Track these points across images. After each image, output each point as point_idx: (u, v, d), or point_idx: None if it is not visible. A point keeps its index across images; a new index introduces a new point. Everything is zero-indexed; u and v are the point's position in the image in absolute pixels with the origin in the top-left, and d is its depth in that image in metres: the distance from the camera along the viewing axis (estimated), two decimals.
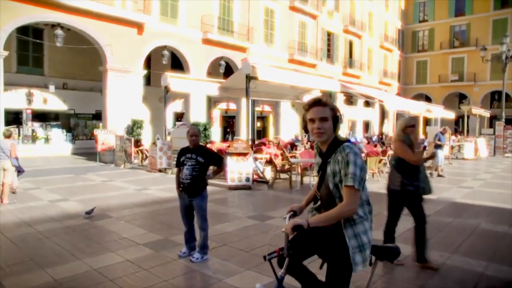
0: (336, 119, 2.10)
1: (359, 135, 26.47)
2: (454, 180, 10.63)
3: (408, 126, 4.02)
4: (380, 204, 5.70)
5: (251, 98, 9.65)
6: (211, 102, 22.29)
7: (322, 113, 2.07)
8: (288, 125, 23.68)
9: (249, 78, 8.99)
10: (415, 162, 3.88)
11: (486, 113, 27.37)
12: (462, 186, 9.64)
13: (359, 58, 30.52)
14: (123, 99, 15.01)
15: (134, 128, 14.97)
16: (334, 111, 2.10)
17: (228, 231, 5.16)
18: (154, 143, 12.32)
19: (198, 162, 3.93)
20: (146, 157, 13.54)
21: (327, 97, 2.19)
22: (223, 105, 24.09)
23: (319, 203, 2.22)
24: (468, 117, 25.03)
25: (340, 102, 25.47)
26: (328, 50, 27.27)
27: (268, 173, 10.04)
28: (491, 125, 30.26)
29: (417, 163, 3.90)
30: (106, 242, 4.67)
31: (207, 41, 18.13)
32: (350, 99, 28.26)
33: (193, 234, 4.16)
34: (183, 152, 4.10)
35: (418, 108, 15.38)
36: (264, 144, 12.81)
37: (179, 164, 4.06)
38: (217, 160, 4.11)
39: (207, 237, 4.04)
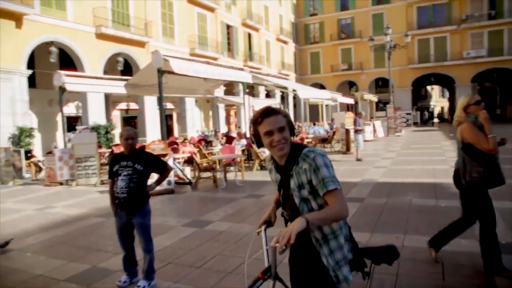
0: (291, 126, 1.80)
1: None
2: (367, 162, 11.23)
3: (472, 104, 3.28)
4: None
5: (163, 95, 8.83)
6: (110, 102, 20.46)
7: (278, 122, 1.74)
8: (193, 122, 22.97)
9: (161, 72, 8.19)
10: (490, 151, 3.16)
11: (374, 98, 29.96)
12: (376, 166, 10.21)
13: (258, 51, 31.02)
14: (4, 105, 12.77)
15: (21, 137, 12.85)
16: (288, 118, 1.79)
17: (167, 245, 4.48)
18: (50, 153, 10.68)
19: (136, 171, 3.20)
20: (41, 169, 11.73)
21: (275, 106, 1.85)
22: (123, 105, 22.34)
23: (289, 224, 1.85)
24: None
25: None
26: (229, 44, 27.13)
27: (188, 173, 9.40)
28: (377, 108, 33.53)
29: (493, 151, 3.16)
30: None
31: (101, 36, 16.44)
32: (252, 91, 28.64)
33: (134, 258, 3.43)
34: (116, 160, 3.34)
35: (324, 96, 16.02)
36: (176, 143, 12.06)
37: (112, 175, 3.31)
38: (160, 165, 3.40)
39: (154, 259, 3.34)
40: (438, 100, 60.84)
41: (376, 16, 36.68)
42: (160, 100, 8.66)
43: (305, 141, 12.13)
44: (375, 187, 7.32)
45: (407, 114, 31.20)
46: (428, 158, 10.87)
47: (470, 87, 35.28)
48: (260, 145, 1.82)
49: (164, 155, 7.93)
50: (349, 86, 40.08)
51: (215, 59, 24.29)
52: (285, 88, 13.55)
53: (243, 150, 11.56)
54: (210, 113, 26.32)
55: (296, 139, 11.96)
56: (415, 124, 35.10)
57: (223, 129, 24.85)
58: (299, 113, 36.31)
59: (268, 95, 31.81)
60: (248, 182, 8.84)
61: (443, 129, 28.66)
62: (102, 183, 9.57)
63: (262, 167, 10.85)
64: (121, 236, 3.35)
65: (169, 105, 24.54)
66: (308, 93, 14.77)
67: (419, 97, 48.00)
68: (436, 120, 40.94)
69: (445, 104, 55.15)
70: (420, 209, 5.51)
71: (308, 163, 1.72)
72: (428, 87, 52.87)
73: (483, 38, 33.32)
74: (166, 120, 26.50)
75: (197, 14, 23.41)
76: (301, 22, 40.10)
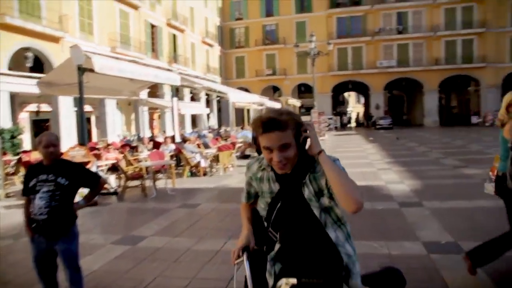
0: (298, 134, 1.50)
1: (188, 130, 26.32)
2: None
3: None
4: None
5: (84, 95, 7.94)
6: (16, 103, 18.22)
7: (281, 139, 1.46)
8: (114, 126, 21.49)
9: (82, 70, 7.34)
10: None
11: (298, 103, 30.93)
12: None
13: (183, 52, 30.21)
14: None
15: None
16: (298, 126, 1.50)
17: (95, 269, 3.87)
18: None
19: (60, 186, 2.59)
20: None
21: (285, 109, 1.56)
22: (32, 107, 20.05)
23: (277, 247, 1.58)
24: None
25: (169, 97, 24.69)
26: (153, 44, 25.98)
27: (113, 182, 8.59)
28: (299, 113, 34.68)
29: None
30: None
31: (5, 27, 14.52)
32: (176, 94, 27.75)
33: None
34: (32, 172, 2.69)
35: (253, 100, 15.97)
36: (97, 149, 11.05)
37: (28, 192, 2.65)
38: (90, 178, 2.79)
39: None
40: (354, 106, 65.12)
41: (299, 23, 38.01)
42: (81, 101, 7.77)
43: (237, 145, 11.89)
44: None
45: (329, 119, 32.71)
46: (355, 161, 11.29)
47: (382, 94, 38.20)
48: (259, 151, 1.59)
49: (86, 163, 7.10)
50: (273, 91, 40.94)
51: (140, 60, 23.11)
52: (216, 91, 13.19)
53: (171, 156, 10.95)
54: (133, 116, 24.89)
55: (228, 143, 11.68)
56: (336, 128, 36.97)
57: (147, 133, 23.64)
58: (226, 117, 36.20)
59: (193, 99, 31.11)
60: (180, 190, 8.33)
61: (360, 133, 30.57)
62: (8, 196, 8.33)
63: (193, 174, 10.38)
64: (39, 266, 2.70)
65: (87, 108, 22.65)
66: (238, 97, 14.59)
67: (338, 103, 50.72)
68: (353, 124, 43.65)
69: (361, 109, 59.08)
70: (388, 213, 5.52)
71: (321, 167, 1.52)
72: (346, 94, 56.21)
73: (393, 50, 36.31)
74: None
75: (119, 11, 22.01)
76: (226, 25, 40.05)
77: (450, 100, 45.87)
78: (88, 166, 7.11)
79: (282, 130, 1.45)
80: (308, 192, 1.53)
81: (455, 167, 9.54)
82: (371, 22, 36.38)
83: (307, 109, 39.03)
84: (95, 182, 2.80)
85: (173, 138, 11.55)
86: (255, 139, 1.55)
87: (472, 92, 38.65)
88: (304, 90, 40.07)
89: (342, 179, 1.42)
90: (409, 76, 36.40)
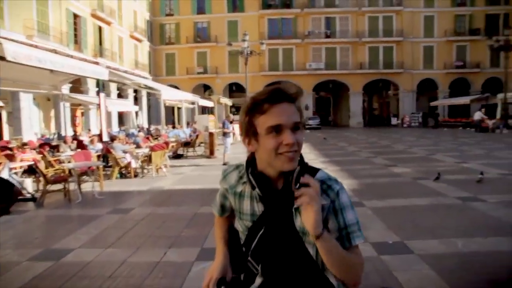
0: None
1: (115, 128, 24.85)
2: None
3: None
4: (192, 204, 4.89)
5: None
6: None
7: (294, 115, 1.13)
8: (31, 123, 19.42)
9: None
10: None
11: (230, 102, 30.74)
12: None
13: (109, 46, 28.39)
14: None
15: None
16: (301, 111, 1.18)
17: None
18: None
19: None
20: None
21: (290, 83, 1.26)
22: None
23: (258, 281, 1.26)
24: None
25: (93, 92, 23.02)
26: (76, 35, 24.00)
27: (29, 186, 7.61)
28: (231, 112, 34.59)
29: None
30: None
31: None
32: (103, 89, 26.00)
33: None
34: None
35: (186, 98, 15.39)
36: (10, 149, 9.79)
37: None
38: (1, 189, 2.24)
39: None
40: None
41: (231, 22, 37.85)
42: None
43: (170, 144, 11.32)
44: None
45: None
46: (241, 162, 11.29)
47: (311, 95, 39.53)
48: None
49: None
50: (204, 90, 40.34)
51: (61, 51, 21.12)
52: (147, 87, 12.42)
53: (98, 156, 10.07)
54: (52, 113, 22.78)
55: (160, 142, 11.05)
56: None
57: (69, 131, 21.75)
58: (155, 115, 34.83)
59: (120, 95, 29.42)
60: (109, 194, 7.62)
61: None
62: None
63: (123, 175, 9.64)
64: None
65: None
66: (171, 94, 13.93)
67: None
68: None
69: None
70: None
71: (330, 197, 1.17)
72: None
73: (322, 53, 37.75)
74: None
75: None
76: (156, 21, 38.54)
77: (372, 102, 49.06)
78: None
79: (292, 104, 1.15)
80: (301, 222, 1.13)
81: (386, 166, 10.00)
82: (301, 25, 37.44)
83: (238, 109, 39.10)
84: (9, 192, 2.23)
85: (100, 136, 10.64)
86: (248, 129, 1.16)
87: (392, 96, 41.71)
88: (235, 89, 40.02)
89: (347, 267, 1.14)
90: (336, 78, 38.12)
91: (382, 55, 37.15)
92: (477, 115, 25.56)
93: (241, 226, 1.31)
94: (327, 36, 37.54)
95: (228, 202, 1.39)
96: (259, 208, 1.23)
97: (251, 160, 1.25)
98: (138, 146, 11.09)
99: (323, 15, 37.43)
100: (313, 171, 1.21)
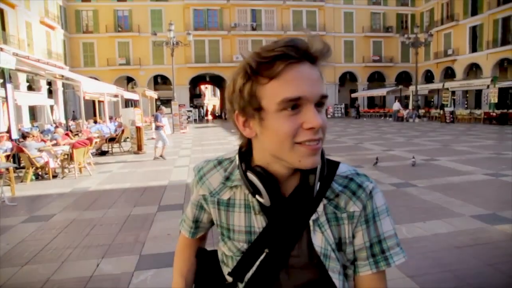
0: None
1: (26, 124, 22.45)
2: (167, 161, 10.48)
3: None
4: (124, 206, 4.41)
5: None
6: None
7: (320, 84, 0.76)
8: None
9: None
10: None
11: (155, 95, 29.54)
12: (178, 165, 9.61)
13: (15, 32, 25.41)
14: None
15: None
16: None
17: None
18: None
19: None
20: None
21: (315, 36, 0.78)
22: None
23: None
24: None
25: None
26: None
27: None
28: (156, 105, 33.32)
29: None
30: None
31: None
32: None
33: None
34: None
35: (109, 90, 14.28)
36: None
37: None
38: None
39: None
40: (210, 99, 65.99)
41: (154, 12, 36.20)
42: None
43: (94, 140, 10.35)
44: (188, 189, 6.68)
45: (189, 111, 32.14)
46: (224, 154, 11.03)
47: None
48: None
49: None
50: (127, 82, 38.24)
51: None
52: (65, 78, 11.19)
53: (7, 156, 8.83)
54: None
55: (82, 139, 10.03)
56: (195, 121, 36.68)
57: None
58: (75, 109, 32.15)
59: (31, 87, 26.61)
60: (23, 199, 6.67)
61: (220, 125, 30.95)
62: None
63: (39, 177, 8.58)
64: None
65: None
66: (92, 87, 12.76)
67: (195, 95, 50.55)
68: (210, 117, 44.10)
69: (217, 102, 60.31)
70: None
71: (361, 200, 0.83)
72: (202, 86, 56.46)
73: (248, 45, 37.77)
74: None
75: None
76: (71, 6, 35.38)
77: None
78: None
79: (316, 65, 0.77)
80: (323, 240, 0.82)
81: None
82: (227, 17, 37.08)
83: (163, 102, 37.73)
84: None
85: (8, 134, 9.35)
86: (249, 99, 0.76)
87: None
88: (160, 82, 38.51)
89: None
90: None
91: None
92: (396, 106, 27.58)
93: (229, 249, 0.91)
94: (253, 29, 37.68)
95: (205, 215, 0.99)
96: (258, 222, 0.86)
97: (245, 151, 0.88)
98: (56, 144, 9.95)
99: (249, 8, 37.44)
100: (332, 164, 0.88)
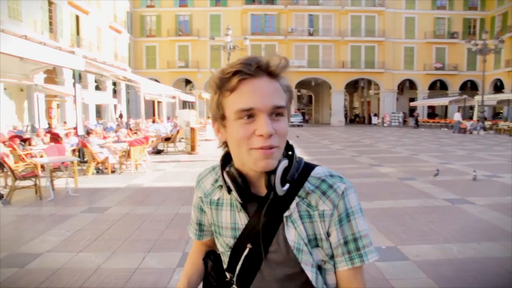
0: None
1: (92, 121, 24.06)
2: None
3: None
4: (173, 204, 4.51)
5: None
6: None
7: (274, 94, 0.84)
8: (2, 114, 18.49)
9: None
10: None
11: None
12: None
13: (87, 36, 27.43)
14: None
15: None
16: (290, 92, 0.91)
17: None
18: None
19: None
20: None
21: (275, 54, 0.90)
22: None
23: None
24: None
25: (70, 84, 22.13)
26: (51, 24, 23.03)
27: None
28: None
29: None
30: None
31: None
32: (79, 81, 25.07)
33: None
34: None
35: (170, 93, 14.93)
36: None
37: None
38: None
39: None
40: None
41: (213, 17, 37.27)
42: None
43: (150, 139, 10.88)
44: None
45: None
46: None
47: (293, 92, 39.43)
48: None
49: None
50: (185, 84, 39.69)
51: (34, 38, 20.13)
52: (126, 79, 11.91)
53: (73, 151, 9.56)
54: (26, 104, 21.80)
55: (139, 137, 10.59)
56: None
57: (43, 124, 20.87)
58: (135, 109, 33.95)
59: (98, 87, 28.52)
60: (84, 191, 7.18)
61: None
62: None
63: (99, 171, 9.18)
64: None
65: None
66: (151, 88, 13.44)
67: None
68: None
69: None
70: None
71: (331, 200, 0.88)
72: None
73: (305, 50, 37.66)
74: None
75: None
76: (136, 12, 37.53)
77: (353, 101, 49.44)
78: None
79: (274, 78, 0.86)
80: (295, 235, 0.88)
81: (371, 165, 9.87)
82: (284, 22, 37.23)
83: None
84: None
85: (75, 130, 10.12)
86: (217, 109, 0.87)
87: (373, 95, 42.06)
88: None
89: None
90: (318, 76, 38.13)
91: (364, 54, 37.35)
92: (457, 116, 26.02)
93: (221, 245, 1.00)
94: (310, 34, 37.46)
95: (206, 218, 1.07)
96: (241, 219, 0.94)
97: (227, 157, 0.97)
98: (117, 141, 10.60)
99: (306, 13, 37.30)
100: (308, 167, 0.94)
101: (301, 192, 0.90)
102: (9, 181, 6.96)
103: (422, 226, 4.77)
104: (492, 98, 29.44)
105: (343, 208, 0.87)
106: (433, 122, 33.67)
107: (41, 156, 7.94)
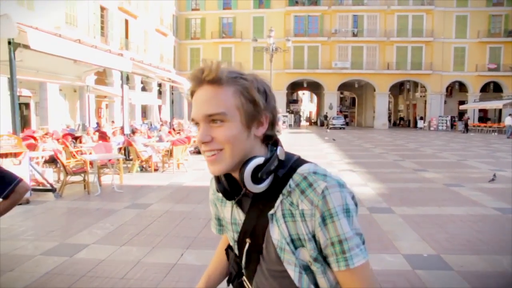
0: (254, 108, 0.88)
1: (138, 121, 24.98)
2: None
3: None
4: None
5: (17, 76, 6.86)
6: None
7: (211, 101, 0.85)
8: (57, 113, 19.75)
9: (14, 45, 6.27)
10: None
11: None
12: None
13: (135, 40, 28.60)
14: None
15: None
16: (248, 91, 0.87)
17: None
18: None
19: None
20: None
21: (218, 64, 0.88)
22: None
23: None
24: None
25: (118, 85, 23.16)
26: (102, 28, 24.26)
27: (50, 177, 7.55)
28: None
29: None
30: None
31: None
32: (127, 82, 26.16)
33: None
34: None
35: None
36: (34, 138, 9.84)
37: None
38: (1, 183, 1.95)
39: None
40: (307, 105, 66.04)
41: (256, 19, 37.57)
42: (12, 83, 6.66)
43: (192, 139, 11.15)
44: None
45: (284, 116, 32.66)
46: (315, 161, 10.98)
47: (336, 94, 38.84)
48: None
49: (17, 155, 6.09)
50: None
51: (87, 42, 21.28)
52: (171, 80, 12.29)
53: (119, 149, 10.01)
54: (78, 104, 23.10)
55: (182, 137, 10.88)
56: (290, 126, 37.05)
57: (92, 123, 22.01)
58: (179, 109, 34.94)
59: (144, 89, 29.61)
60: (128, 188, 7.49)
61: (314, 131, 30.79)
62: None
63: (143, 169, 9.54)
64: None
65: (25, 92, 20.57)
66: None
67: (292, 101, 51.12)
68: (305, 123, 44.16)
69: (313, 108, 60.04)
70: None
71: (310, 199, 0.84)
72: (300, 92, 56.79)
73: (348, 51, 36.98)
74: (20, 110, 22.36)
75: None
76: (182, 15, 38.64)
77: (397, 103, 47.88)
78: (18, 158, 6.12)
79: (215, 85, 0.86)
80: (278, 234, 0.89)
81: (415, 170, 9.52)
82: (328, 23, 36.79)
83: None
84: (8, 188, 1.92)
85: (122, 129, 10.58)
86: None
87: (419, 97, 40.50)
88: None
89: None
90: (362, 78, 37.32)
91: (410, 56, 36.09)
92: (508, 120, 24.51)
93: (229, 239, 1.06)
94: (354, 35, 36.75)
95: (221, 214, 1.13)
96: (239, 215, 0.98)
97: None
98: (160, 140, 10.97)
99: (351, 13, 36.65)
100: (297, 164, 0.92)
101: (285, 190, 0.89)
102: (61, 176, 7.41)
103: (468, 235, 4.54)
104: None
105: (325, 208, 0.83)
106: (484, 126, 31.82)
107: (90, 153, 8.38)
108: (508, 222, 5.17)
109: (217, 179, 0.95)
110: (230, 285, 1.10)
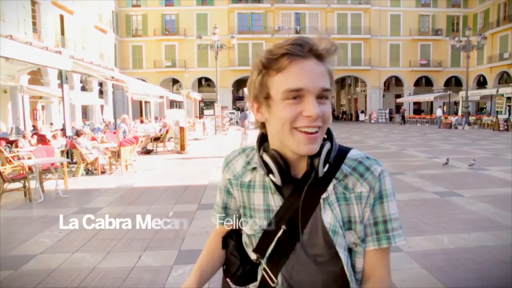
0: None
1: (79, 123, 23.76)
2: (213, 161, 10.74)
3: None
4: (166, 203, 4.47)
5: None
6: None
7: (323, 76, 0.86)
8: None
9: None
10: None
11: (199, 97, 30.23)
12: (219, 166, 9.81)
13: (72, 36, 27.03)
14: None
15: None
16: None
17: None
18: None
19: None
20: None
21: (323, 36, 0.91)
22: None
23: None
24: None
25: (55, 84, 21.82)
26: (34, 24, 22.64)
27: None
28: (199, 107, 34.11)
29: None
30: None
31: None
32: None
33: None
34: None
35: (158, 92, 14.84)
36: None
37: None
38: None
39: None
40: None
41: (200, 15, 37.12)
42: None
43: (139, 139, 10.82)
44: None
45: (231, 113, 32.63)
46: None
47: None
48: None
49: None
50: (172, 83, 39.46)
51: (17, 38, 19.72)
52: (115, 79, 11.81)
53: (62, 152, 9.45)
54: (10, 105, 21.41)
55: (129, 138, 10.51)
56: (237, 123, 37.12)
57: (28, 126, 20.51)
58: (121, 110, 33.60)
59: (84, 88, 28.15)
60: (74, 192, 7.11)
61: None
62: None
63: (89, 172, 9.09)
64: None
65: None
66: (140, 88, 13.36)
67: (238, 98, 51.20)
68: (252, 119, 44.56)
69: None
70: None
71: (369, 182, 0.89)
72: (245, 89, 56.94)
73: None
74: None
75: None
76: (122, 12, 37.12)
77: (340, 98, 49.82)
78: None
79: (321, 61, 0.86)
80: (331, 217, 0.89)
81: None
82: (271, 20, 37.30)
83: (207, 103, 38.47)
84: None
85: (63, 131, 9.99)
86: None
87: (360, 92, 42.46)
88: (204, 84, 39.41)
89: None
90: None
91: (350, 52, 37.64)
92: (439, 112, 26.53)
93: (251, 227, 0.99)
94: (297, 32, 37.53)
95: (232, 201, 1.07)
96: (275, 201, 0.95)
97: (263, 138, 0.99)
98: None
99: (293, 11, 37.44)
100: (343, 149, 0.96)
101: (339, 174, 0.91)
102: None
103: (412, 219, 4.87)
104: (475, 94, 30.04)
105: (378, 190, 0.89)
106: (419, 118, 34.18)
107: (29, 158, 7.83)
108: (446, 204, 5.62)
109: (275, 161, 0.89)
110: (227, 277, 1.07)
